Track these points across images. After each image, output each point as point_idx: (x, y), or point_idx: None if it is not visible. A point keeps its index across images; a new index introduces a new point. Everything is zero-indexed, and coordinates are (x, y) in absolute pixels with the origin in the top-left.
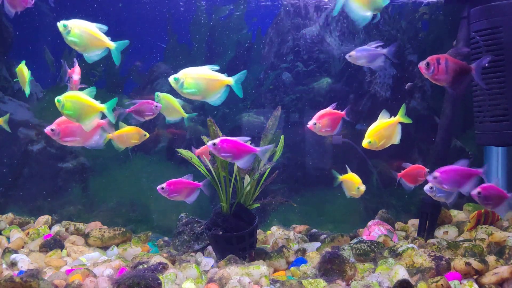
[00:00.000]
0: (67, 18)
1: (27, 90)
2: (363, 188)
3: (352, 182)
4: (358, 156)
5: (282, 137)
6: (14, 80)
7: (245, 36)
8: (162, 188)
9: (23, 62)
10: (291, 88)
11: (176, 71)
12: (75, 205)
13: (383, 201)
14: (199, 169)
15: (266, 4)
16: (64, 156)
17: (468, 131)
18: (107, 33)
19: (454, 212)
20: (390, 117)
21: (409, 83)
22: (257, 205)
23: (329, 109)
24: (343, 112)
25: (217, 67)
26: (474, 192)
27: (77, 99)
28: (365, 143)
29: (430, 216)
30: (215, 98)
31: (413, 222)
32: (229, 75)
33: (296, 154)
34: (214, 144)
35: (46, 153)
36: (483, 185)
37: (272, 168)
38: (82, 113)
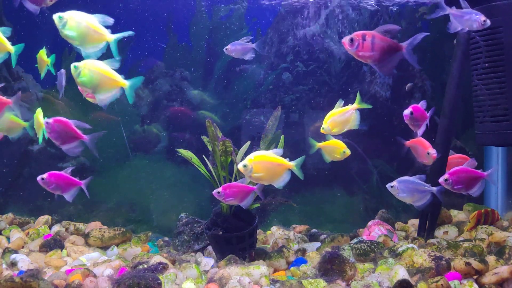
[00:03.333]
0: None
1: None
2: (348, 151)
3: (335, 147)
4: (358, 156)
5: (282, 137)
6: (35, 65)
7: (245, 36)
8: (218, 193)
9: (43, 48)
10: (291, 88)
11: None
12: (75, 205)
13: (383, 201)
14: (199, 169)
15: (266, 4)
16: (64, 156)
17: (468, 131)
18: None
19: (454, 212)
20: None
21: (409, 84)
22: (257, 205)
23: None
24: (8, 100)
25: (118, 64)
26: (442, 179)
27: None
28: (321, 129)
29: (430, 216)
30: (105, 97)
31: (413, 222)
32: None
33: (296, 154)
34: (42, 178)
35: (46, 153)
36: (451, 170)
37: None
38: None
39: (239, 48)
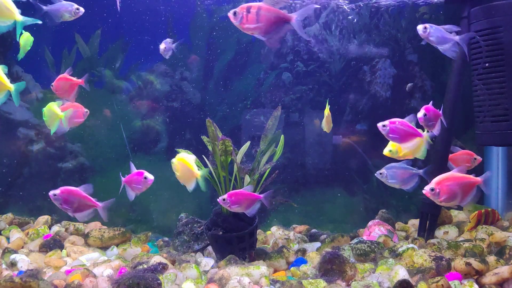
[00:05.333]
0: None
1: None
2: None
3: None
4: (358, 156)
5: (282, 137)
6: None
7: (245, 36)
8: (224, 200)
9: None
10: (291, 88)
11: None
12: None
13: (383, 201)
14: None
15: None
16: (64, 156)
17: (468, 131)
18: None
19: (454, 212)
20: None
21: (409, 84)
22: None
23: (65, 74)
24: (80, 80)
25: (5, 69)
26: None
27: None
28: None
29: (430, 216)
30: None
31: (413, 222)
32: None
33: (296, 154)
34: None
35: (46, 153)
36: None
37: (272, 168)
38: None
39: (165, 46)
